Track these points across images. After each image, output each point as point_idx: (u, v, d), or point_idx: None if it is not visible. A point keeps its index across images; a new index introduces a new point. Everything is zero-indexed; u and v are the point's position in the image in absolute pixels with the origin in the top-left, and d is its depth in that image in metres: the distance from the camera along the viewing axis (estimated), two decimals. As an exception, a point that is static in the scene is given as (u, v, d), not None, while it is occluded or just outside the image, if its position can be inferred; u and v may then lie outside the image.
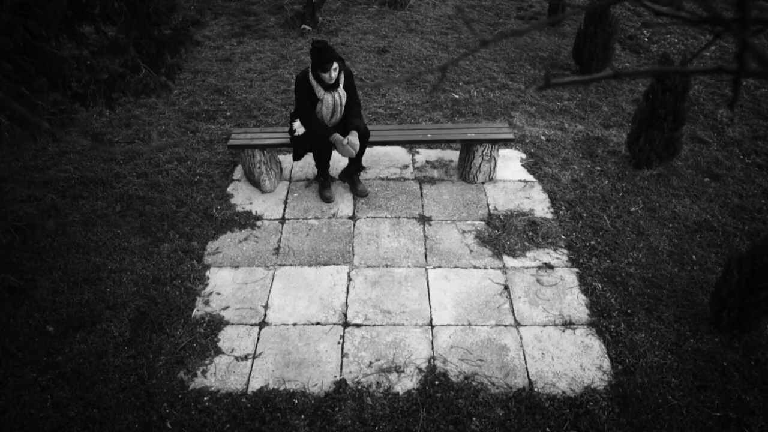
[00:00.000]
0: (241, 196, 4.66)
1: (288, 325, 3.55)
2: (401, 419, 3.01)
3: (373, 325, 3.53)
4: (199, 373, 3.25)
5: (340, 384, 3.18)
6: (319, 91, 4.13)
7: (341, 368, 3.27)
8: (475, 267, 3.97)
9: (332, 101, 4.18)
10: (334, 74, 4.05)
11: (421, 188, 4.74)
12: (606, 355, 3.35)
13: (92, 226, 4.32)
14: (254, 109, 5.92)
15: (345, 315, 3.60)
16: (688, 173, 4.94)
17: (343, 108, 4.28)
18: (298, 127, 4.32)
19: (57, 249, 4.11)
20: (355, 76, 6.15)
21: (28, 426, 3.00)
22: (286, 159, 5.12)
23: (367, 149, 5.16)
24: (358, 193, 4.64)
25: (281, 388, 3.16)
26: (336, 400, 3.10)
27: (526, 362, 3.31)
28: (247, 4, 8.75)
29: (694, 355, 3.35)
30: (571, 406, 3.07)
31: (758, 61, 0.69)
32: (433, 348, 3.39)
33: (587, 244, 4.16)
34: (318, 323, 3.55)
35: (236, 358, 3.33)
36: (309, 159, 5.08)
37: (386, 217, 4.43)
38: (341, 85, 4.20)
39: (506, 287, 3.80)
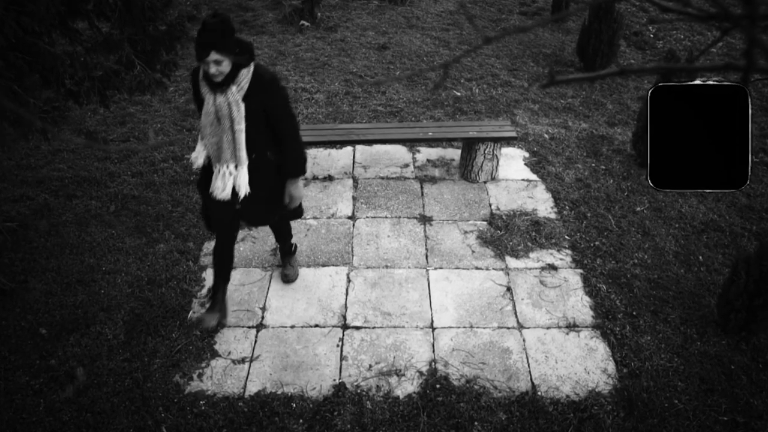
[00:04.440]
0: (239, 195, 4.60)
1: (286, 327, 3.48)
2: (401, 424, 2.95)
3: (373, 328, 3.47)
4: (195, 376, 3.19)
5: (339, 388, 3.12)
6: (204, 88, 2.82)
7: (340, 371, 3.21)
8: (477, 268, 3.90)
9: (213, 107, 2.79)
10: (214, 69, 2.66)
11: (421, 187, 4.67)
12: (611, 358, 3.28)
13: (86, 226, 4.26)
14: (253, 107, 5.85)
15: (344, 317, 3.54)
16: (694, 172, 4.87)
17: (234, 124, 2.80)
18: (195, 158, 3.01)
19: (50, 250, 4.05)
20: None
21: (21, 430, 2.94)
22: (284, 157, 5.04)
23: (367, 148, 5.07)
24: (284, 277, 3.73)
25: (279, 392, 3.10)
26: (335, 404, 3.04)
27: (529, 365, 3.25)
28: None
29: (701, 358, 3.29)
30: (575, 411, 3.01)
31: (767, 57, 0.67)
32: (434, 351, 3.32)
33: (592, 244, 4.09)
34: (316, 325, 3.49)
35: (233, 361, 3.27)
36: (310, 159, 5.00)
37: (386, 217, 4.36)
38: (239, 90, 2.77)
39: (509, 289, 3.74)
